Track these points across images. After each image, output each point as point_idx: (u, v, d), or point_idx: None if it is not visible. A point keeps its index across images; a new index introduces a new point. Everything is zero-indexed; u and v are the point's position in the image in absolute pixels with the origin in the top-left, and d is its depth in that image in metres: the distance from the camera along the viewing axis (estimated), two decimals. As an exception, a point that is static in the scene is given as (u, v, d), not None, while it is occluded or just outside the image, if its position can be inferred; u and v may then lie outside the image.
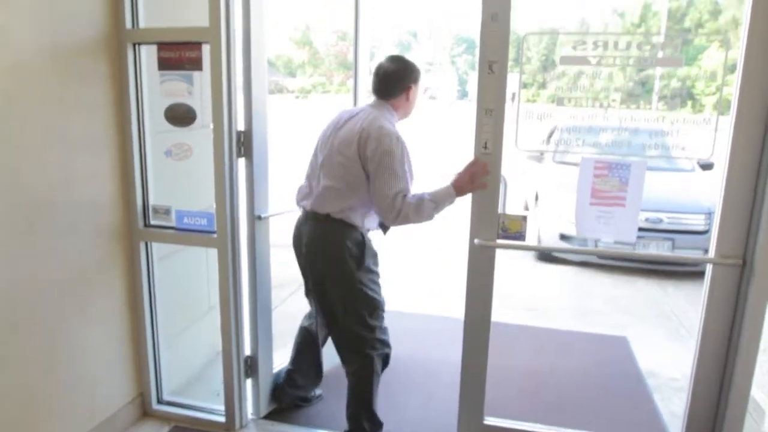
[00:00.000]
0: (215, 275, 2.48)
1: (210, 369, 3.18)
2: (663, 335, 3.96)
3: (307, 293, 2.51)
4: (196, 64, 2.31)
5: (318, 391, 2.85)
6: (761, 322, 1.98)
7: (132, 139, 2.38)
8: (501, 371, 3.16)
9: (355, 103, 2.92)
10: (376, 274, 2.39)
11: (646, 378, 3.25)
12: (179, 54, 2.31)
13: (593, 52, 2.10)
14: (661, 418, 2.82)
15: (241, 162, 2.41)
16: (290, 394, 2.74)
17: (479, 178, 2.19)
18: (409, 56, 2.62)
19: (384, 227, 2.47)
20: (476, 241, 2.19)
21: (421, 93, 2.48)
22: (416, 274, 5.38)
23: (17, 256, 1.94)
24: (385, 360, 2.46)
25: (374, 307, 2.34)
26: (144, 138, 2.43)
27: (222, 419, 2.58)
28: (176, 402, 2.71)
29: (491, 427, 2.35)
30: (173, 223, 2.48)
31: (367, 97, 2.80)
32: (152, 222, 2.50)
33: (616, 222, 2.10)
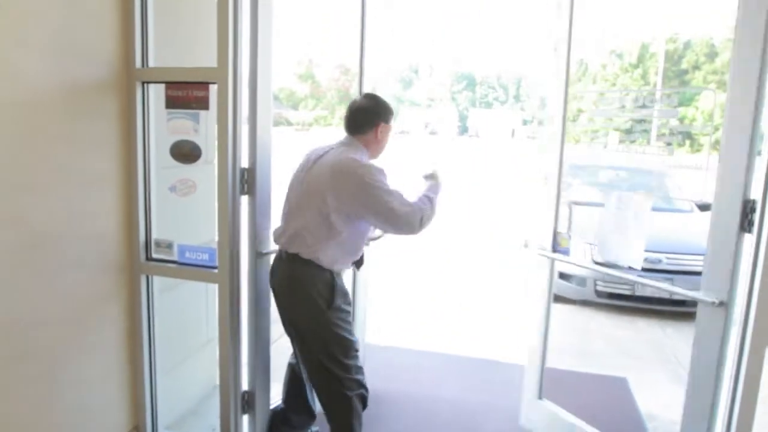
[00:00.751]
0: (214, 309, 2.51)
1: (206, 403, 3.17)
2: (663, 377, 3.96)
3: (285, 331, 2.52)
4: (203, 104, 2.38)
5: (315, 428, 2.84)
6: (759, 374, 1.99)
7: (138, 174, 2.44)
8: (505, 411, 3.17)
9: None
10: (347, 312, 2.42)
11: (645, 420, 3.24)
12: (187, 93, 2.39)
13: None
14: (659, 462, 2.81)
15: (244, 198, 2.46)
16: None
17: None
18: (411, 92, 2.70)
19: (358, 264, 2.53)
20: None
21: (392, 133, 2.52)
22: (403, 307, 5.40)
23: (21, 288, 1.97)
24: (363, 401, 2.45)
25: (347, 346, 2.36)
26: (149, 174, 2.49)
27: (218, 455, 2.57)
28: (171, 436, 2.70)
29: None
30: (175, 257, 2.51)
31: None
32: (154, 256, 2.54)
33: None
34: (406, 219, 2.23)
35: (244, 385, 2.61)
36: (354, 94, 3.05)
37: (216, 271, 2.42)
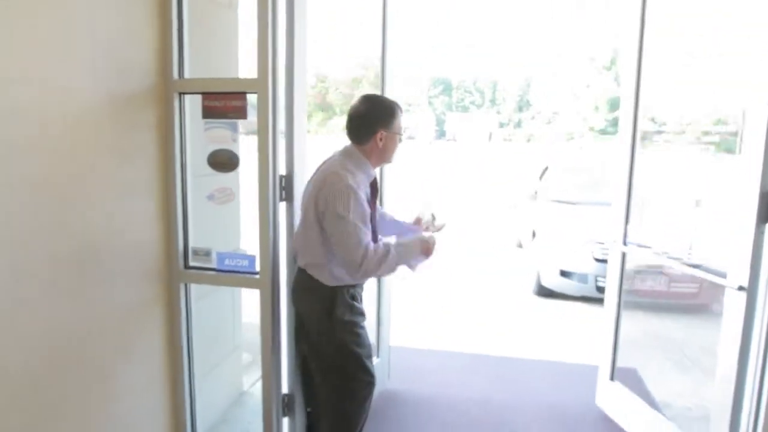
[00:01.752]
0: (240, 317, 2.52)
1: (234, 410, 3.21)
2: (669, 367, 4.10)
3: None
4: (241, 113, 2.43)
5: None
6: None
7: (176, 184, 2.47)
8: (524, 407, 3.26)
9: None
10: (354, 324, 2.33)
11: (661, 408, 3.35)
12: (224, 103, 2.43)
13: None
14: (682, 446, 2.92)
15: (281, 205, 2.51)
16: None
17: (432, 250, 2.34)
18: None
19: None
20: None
21: (397, 136, 2.34)
22: (428, 310, 5.48)
23: (74, 298, 1.99)
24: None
25: (355, 359, 2.31)
26: (186, 183, 2.52)
27: (259, 459, 2.60)
28: (210, 442, 2.73)
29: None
30: (214, 265, 2.55)
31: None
32: (192, 264, 2.57)
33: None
34: (351, 260, 2.14)
35: (284, 389, 2.65)
36: (331, 102, 3.14)
37: (258, 276, 2.46)
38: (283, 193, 2.50)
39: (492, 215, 11.82)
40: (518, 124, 52.95)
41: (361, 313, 2.39)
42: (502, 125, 51.75)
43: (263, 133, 2.36)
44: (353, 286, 2.34)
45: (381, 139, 2.28)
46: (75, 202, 1.99)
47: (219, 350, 3.09)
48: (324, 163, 2.38)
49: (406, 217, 2.70)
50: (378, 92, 3.15)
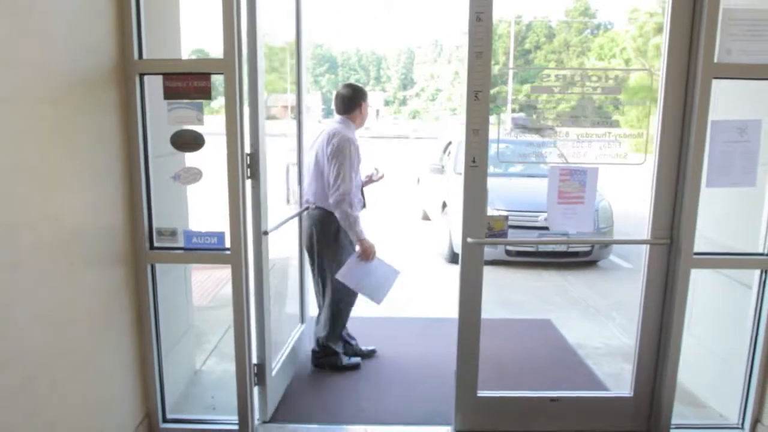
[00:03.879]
0: (191, 297, 2.57)
1: (193, 388, 3.25)
2: (576, 315, 4.66)
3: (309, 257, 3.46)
4: (205, 94, 2.46)
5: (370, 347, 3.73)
6: (687, 287, 2.58)
7: (140, 165, 2.47)
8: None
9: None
10: (352, 248, 3.31)
11: (576, 349, 3.86)
12: (187, 84, 2.45)
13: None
14: (598, 377, 3.42)
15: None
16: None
17: (367, 255, 3.27)
18: (271, 76, 3.19)
19: (363, 205, 3.44)
20: (469, 239, 2.58)
21: (368, 106, 3.47)
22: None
23: (47, 287, 1.96)
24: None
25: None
26: (149, 164, 2.52)
27: (235, 428, 2.70)
28: (181, 419, 2.78)
29: (485, 398, 2.75)
30: (181, 244, 2.58)
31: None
32: (157, 244, 2.58)
33: (578, 216, 2.61)
34: (338, 187, 3.13)
35: (254, 359, 2.76)
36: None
37: (228, 252, 2.54)
38: (249, 170, 2.58)
39: (393, 189, 12.21)
40: (403, 102, 54.12)
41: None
42: (387, 103, 52.61)
43: (231, 113, 2.42)
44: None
45: (362, 109, 3.39)
46: (51, 187, 1.95)
47: (175, 330, 3.11)
48: (323, 130, 3.34)
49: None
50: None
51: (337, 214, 3.19)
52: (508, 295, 5.23)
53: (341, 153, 3.16)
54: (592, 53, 33.20)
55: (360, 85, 3.53)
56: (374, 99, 49.73)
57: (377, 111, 46.29)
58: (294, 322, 3.67)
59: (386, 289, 3.34)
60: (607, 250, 6.17)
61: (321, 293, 3.45)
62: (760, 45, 2.44)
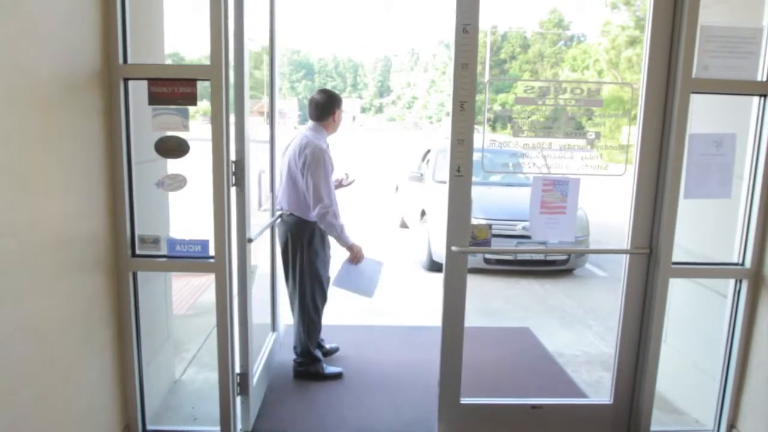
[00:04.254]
0: (171, 306, 2.54)
1: (173, 398, 3.20)
2: (555, 323, 4.72)
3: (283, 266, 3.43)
4: (190, 100, 2.44)
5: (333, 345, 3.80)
6: (666, 296, 2.64)
7: (123, 171, 2.43)
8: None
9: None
10: (325, 253, 3.40)
11: (555, 357, 3.90)
12: (172, 89, 2.43)
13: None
14: (578, 385, 3.47)
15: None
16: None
17: (358, 258, 3.41)
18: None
19: None
20: (454, 248, 2.60)
21: (342, 113, 3.45)
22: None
23: (31, 294, 1.92)
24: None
25: (320, 276, 3.36)
26: (132, 170, 2.49)
27: (217, 437, 2.67)
28: (161, 430, 2.74)
29: (468, 405, 2.76)
30: (164, 252, 2.55)
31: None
32: (139, 252, 2.54)
33: (560, 226, 2.65)
34: (321, 201, 3.15)
35: (237, 368, 2.73)
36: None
37: (212, 261, 2.51)
38: (234, 178, 2.57)
39: (371, 197, 12.23)
40: (380, 109, 54.31)
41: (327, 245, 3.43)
42: (364, 110, 52.75)
43: (217, 120, 2.40)
44: None
45: (335, 117, 3.34)
46: (33, 193, 1.91)
47: (154, 340, 3.06)
48: (295, 137, 3.32)
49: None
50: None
51: (322, 227, 3.25)
52: (487, 303, 5.27)
53: (317, 166, 3.15)
54: (565, 64, 33.81)
55: (335, 91, 3.52)
56: (351, 106, 49.90)
57: (353, 118, 46.44)
58: (266, 330, 3.64)
59: (376, 282, 3.50)
60: (584, 258, 6.26)
61: (296, 298, 3.44)
62: (736, 61, 2.52)
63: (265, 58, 3.42)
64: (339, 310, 4.80)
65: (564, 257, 5.98)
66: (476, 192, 6.02)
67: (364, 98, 54.63)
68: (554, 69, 35.40)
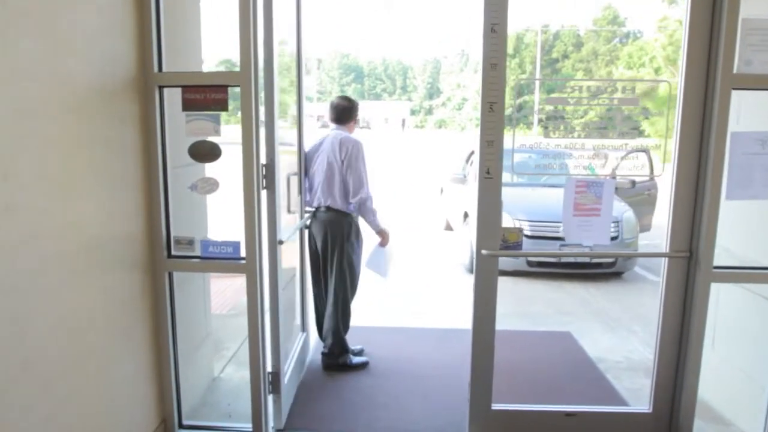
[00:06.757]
0: (210, 306, 2.61)
1: (211, 395, 3.29)
2: (598, 328, 4.58)
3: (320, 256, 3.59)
4: (222, 105, 2.51)
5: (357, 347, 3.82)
6: (707, 302, 2.53)
7: (159, 175, 2.52)
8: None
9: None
10: (360, 249, 3.62)
11: (596, 363, 3.79)
12: (205, 96, 2.50)
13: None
14: (619, 392, 3.36)
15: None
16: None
17: (386, 241, 3.68)
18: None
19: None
20: (484, 251, 2.57)
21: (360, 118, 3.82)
22: (372, 291, 5.68)
23: (71, 292, 2.02)
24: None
25: (355, 267, 3.59)
26: (167, 174, 2.58)
27: (249, 435, 2.73)
28: (196, 425, 2.81)
29: (499, 411, 2.72)
30: (198, 253, 2.63)
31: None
32: (174, 253, 2.63)
33: (594, 229, 2.58)
34: (362, 191, 3.42)
35: (269, 367, 2.79)
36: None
37: (243, 262, 2.57)
38: (264, 181, 2.62)
39: (417, 200, 12.22)
40: (429, 111, 54.16)
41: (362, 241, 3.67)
42: (413, 113, 52.71)
43: (247, 124, 2.46)
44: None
45: (355, 121, 3.66)
46: (72, 196, 2.01)
47: (193, 338, 3.15)
48: (326, 137, 3.55)
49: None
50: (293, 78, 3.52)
51: (360, 212, 3.51)
52: (528, 306, 5.17)
53: (357, 157, 3.44)
54: (620, 62, 32.81)
55: (354, 98, 3.86)
56: (400, 108, 49.97)
57: (403, 120, 46.45)
58: (296, 331, 3.69)
59: (391, 265, 3.84)
60: (632, 261, 6.05)
61: (325, 292, 3.61)
62: (782, 55, 2.39)
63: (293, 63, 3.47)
64: (377, 312, 4.84)
65: (610, 260, 5.80)
66: (517, 193, 5.94)
67: (414, 101, 54.60)
68: (608, 67, 34.38)
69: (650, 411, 2.71)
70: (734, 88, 2.38)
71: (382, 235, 3.66)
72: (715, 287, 2.56)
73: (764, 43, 2.39)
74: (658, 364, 2.67)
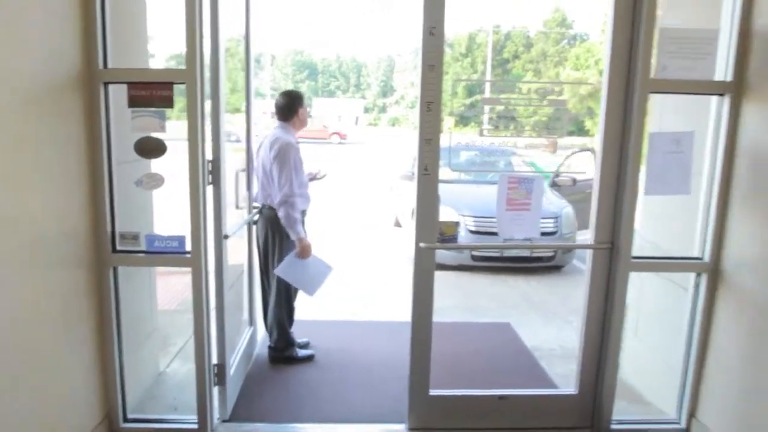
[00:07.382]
0: (156, 301, 2.79)
1: (156, 389, 3.31)
2: (536, 320, 4.81)
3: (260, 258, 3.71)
4: (167, 102, 2.55)
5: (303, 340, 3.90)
6: (626, 289, 2.73)
7: (103, 171, 2.54)
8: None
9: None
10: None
11: (532, 351, 4.00)
12: (150, 92, 2.53)
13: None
14: (550, 377, 3.57)
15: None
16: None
17: (305, 253, 3.50)
18: (254, 82, 3.56)
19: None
20: (421, 244, 2.70)
21: (306, 109, 3.71)
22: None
23: (11, 288, 2.03)
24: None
25: None
26: (112, 170, 2.60)
27: (195, 426, 2.77)
28: (141, 418, 2.84)
29: (436, 397, 2.87)
30: (143, 247, 2.66)
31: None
32: (119, 248, 2.65)
33: (525, 222, 2.75)
34: (282, 190, 3.40)
35: (214, 359, 2.84)
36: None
37: (188, 256, 2.62)
38: (210, 177, 2.68)
39: (368, 196, 12.33)
40: (383, 109, 54.36)
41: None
42: (367, 110, 52.76)
43: (193, 121, 2.51)
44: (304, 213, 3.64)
45: (299, 114, 3.62)
46: (15, 192, 2.02)
47: (139, 333, 3.17)
48: (266, 137, 3.63)
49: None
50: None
51: (280, 214, 3.43)
52: (472, 300, 5.37)
53: (283, 158, 3.42)
54: (568, 63, 33.79)
55: (297, 90, 3.89)
56: (354, 106, 49.92)
57: (356, 118, 46.43)
58: (244, 325, 3.75)
59: (319, 283, 3.62)
60: (570, 255, 6.34)
61: (269, 286, 3.69)
62: (693, 62, 2.61)
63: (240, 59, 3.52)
64: (328, 306, 4.92)
65: (550, 253, 6.07)
66: (465, 190, 6.11)
67: (368, 98, 54.69)
68: (557, 68, 35.33)
69: (576, 393, 2.91)
70: (651, 92, 2.59)
71: (300, 243, 3.45)
72: (639, 279, 2.78)
73: (680, 50, 2.60)
74: (584, 349, 2.87)
